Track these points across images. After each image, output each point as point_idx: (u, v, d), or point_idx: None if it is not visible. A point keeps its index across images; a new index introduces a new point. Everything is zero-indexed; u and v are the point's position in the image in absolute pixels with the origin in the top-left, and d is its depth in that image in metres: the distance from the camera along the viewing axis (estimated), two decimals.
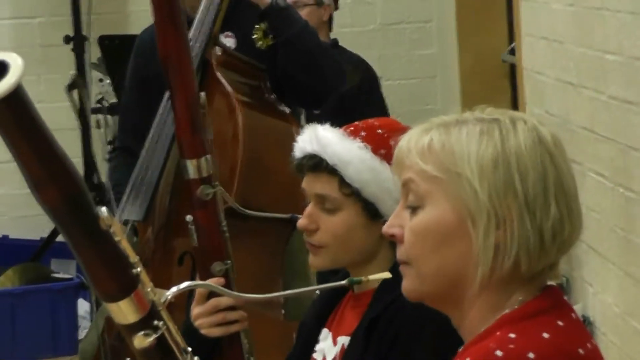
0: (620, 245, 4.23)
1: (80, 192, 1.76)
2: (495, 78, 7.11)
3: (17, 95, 1.58)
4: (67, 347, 6.16)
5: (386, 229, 2.00)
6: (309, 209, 2.66)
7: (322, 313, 2.82)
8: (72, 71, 6.23)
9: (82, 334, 6.15)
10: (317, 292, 2.98)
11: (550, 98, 5.09)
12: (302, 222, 2.69)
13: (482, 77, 7.08)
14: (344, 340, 2.70)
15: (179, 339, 2.03)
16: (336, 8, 5.57)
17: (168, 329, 1.96)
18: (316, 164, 2.59)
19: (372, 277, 2.51)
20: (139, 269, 1.87)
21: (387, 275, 2.48)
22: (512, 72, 6.44)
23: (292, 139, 2.72)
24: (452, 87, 7.33)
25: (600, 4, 4.26)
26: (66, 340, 6.27)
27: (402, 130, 2.23)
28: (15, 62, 1.58)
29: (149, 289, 1.92)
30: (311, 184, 2.66)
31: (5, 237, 6.53)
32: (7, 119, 1.64)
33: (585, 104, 4.63)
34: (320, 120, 2.73)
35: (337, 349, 2.70)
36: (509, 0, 6.63)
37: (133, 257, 1.85)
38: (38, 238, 6.36)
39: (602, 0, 4.26)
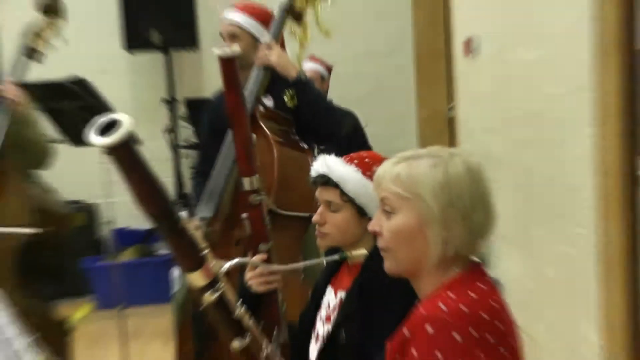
0: (518, 232, 5.13)
1: (166, 205, 2.22)
2: (442, 125, 8.35)
3: (128, 141, 2.05)
4: (166, 298, 6.84)
5: (371, 227, 2.41)
6: (320, 209, 3.02)
7: (327, 277, 3.14)
8: (167, 121, 7.79)
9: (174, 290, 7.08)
10: (324, 263, 3.21)
11: (477, 138, 6.17)
12: (315, 218, 3.02)
13: (433, 124, 8.47)
14: (341, 294, 3.03)
15: (233, 296, 2.45)
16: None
17: (225, 289, 2.40)
18: (325, 180, 2.97)
19: (355, 253, 2.92)
20: (206, 251, 2.31)
21: (364, 252, 2.90)
22: (451, 123, 7.53)
23: (309, 165, 3.10)
24: (413, 130, 8.69)
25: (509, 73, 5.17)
26: (166, 293, 6.97)
27: (381, 160, 2.75)
28: (127, 120, 2.01)
29: (212, 264, 2.34)
30: (322, 194, 3.01)
31: (125, 228, 7.64)
32: (121, 156, 2.09)
33: (499, 142, 5.60)
34: (327, 152, 3.14)
35: (337, 300, 3.04)
36: (448, 69, 7.58)
37: (202, 244, 2.30)
38: (145, 228, 7.57)
39: (510, 70, 5.15)
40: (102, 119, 2.11)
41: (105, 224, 7.65)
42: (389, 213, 2.35)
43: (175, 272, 6.92)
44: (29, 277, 4.64)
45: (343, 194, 2.97)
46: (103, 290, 7.31)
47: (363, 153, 3.07)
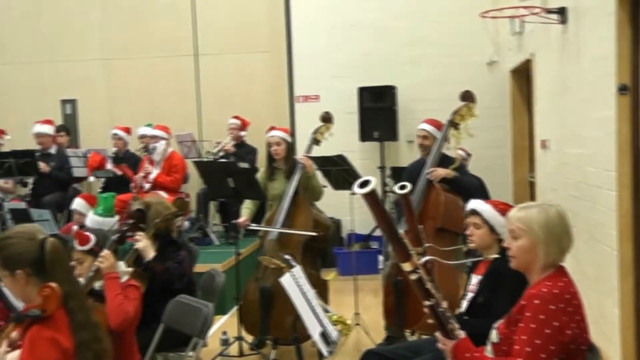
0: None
1: (392, 225, 2.75)
2: (525, 187, 9.14)
3: (374, 191, 2.67)
4: (375, 271, 8.45)
5: (506, 245, 2.96)
6: (470, 229, 3.75)
7: (473, 268, 3.86)
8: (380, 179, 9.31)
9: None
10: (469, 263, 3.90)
11: (546, 196, 6.62)
12: (468, 232, 3.74)
13: (521, 186, 9.25)
14: (479, 277, 3.72)
15: (427, 277, 2.90)
16: None
17: (422, 273, 2.85)
18: (476, 213, 3.74)
19: (490, 256, 3.67)
20: (412, 251, 2.83)
21: (496, 255, 3.60)
22: (532, 185, 8.44)
23: (462, 205, 4.46)
24: (510, 188, 9.47)
25: None
26: (375, 268, 8.53)
27: (509, 207, 3.48)
28: (373, 180, 2.65)
29: (415, 258, 2.84)
30: (471, 219, 3.77)
31: (354, 232, 9.01)
32: (371, 199, 2.69)
33: (560, 197, 6.08)
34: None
35: (476, 281, 3.74)
36: (530, 156, 8.67)
37: (409, 246, 2.79)
38: (365, 234, 9.10)
39: None
40: (361, 179, 2.68)
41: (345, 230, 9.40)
42: (515, 238, 2.91)
43: (380, 257, 8.76)
44: (308, 258, 5.85)
45: (483, 219, 3.76)
46: (342, 265, 8.88)
47: (495, 201, 3.94)
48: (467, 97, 5.96)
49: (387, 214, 2.73)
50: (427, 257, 3.47)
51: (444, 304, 2.90)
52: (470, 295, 3.78)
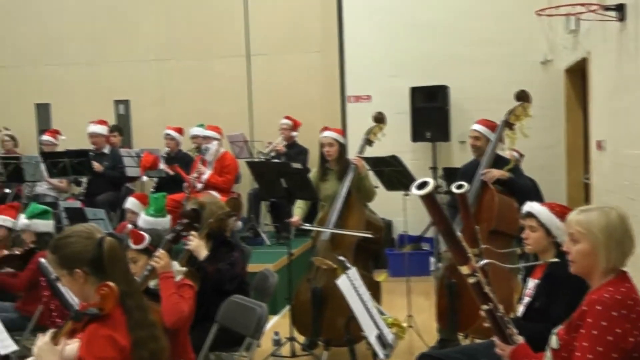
0: None
1: (450, 225, 2.75)
2: (580, 188, 9.08)
3: (432, 192, 2.67)
4: (427, 272, 8.74)
5: (565, 249, 2.90)
6: (526, 232, 3.76)
7: (529, 272, 3.87)
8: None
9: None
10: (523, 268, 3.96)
11: (601, 197, 6.80)
12: (524, 235, 3.73)
13: (575, 188, 9.22)
14: (536, 281, 3.73)
15: (485, 280, 2.87)
16: None
17: (479, 276, 2.84)
18: (532, 216, 3.73)
19: (549, 260, 3.61)
20: (470, 254, 2.78)
21: (555, 259, 3.56)
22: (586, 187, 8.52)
23: (516, 207, 4.45)
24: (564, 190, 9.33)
25: None
26: (427, 269, 8.77)
27: (565, 210, 3.54)
28: (432, 182, 2.64)
29: (473, 261, 2.81)
30: (527, 222, 3.75)
31: (406, 233, 8.18)
32: (429, 200, 2.68)
33: (616, 199, 6.08)
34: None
35: (533, 285, 3.73)
36: (585, 156, 8.48)
37: (467, 249, 2.77)
38: (417, 235, 8.66)
39: None
40: (419, 181, 2.67)
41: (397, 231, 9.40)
42: (574, 241, 2.87)
43: (432, 259, 9.02)
44: (360, 259, 5.79)
45: (541, 225, 3.74)
46: (394, 267, 8.81)
47: (551, 203, 3.92)
48: (523, 96, 5.93)
49: (446, 215, 2.71)
50: (485, 261, 3.43)
51: (501, 308, 2.86)
52: (527, 299, 3.77)
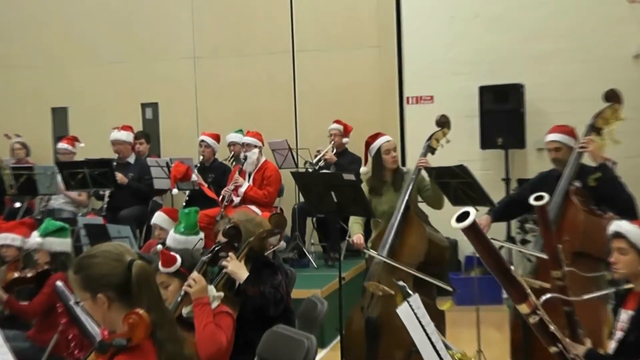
0: None
1: (499, 259, 2.63)
2: None
3: (473, 224, 2.58)
4: (499, 300, 8.36)
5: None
6: (615, 255, 3.76)
7: (620, 302, 3.86)
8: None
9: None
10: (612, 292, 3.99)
11: None
12: (612, 260, 3.77)
13: None
14: (629, 312, 3.73)
15: (548, 318, 2.77)
16: None
17: (542, 314, 2.74)
18: (620, 236, 3.74)
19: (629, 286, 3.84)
20: (528, 291, 2.68)
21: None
22: None
23: (605, 227, 3.89)
24: None
25: None
26: (499, 297, 8.36)
27: None
28: (473, 212, 2.59)
29: (533, 298, 2.72)
30: (615, 244, 3.78)
31: (474, 255, 7.67)
32: (474, 235, 2.63)
33: None
34: (621, 218, 3.97)
35: (626, 317, 3.73)
36: None
37: (525, 286, 2.70)
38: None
39: None
40: (459, 212, 2.65)
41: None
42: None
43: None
44: (422, 284, 5.62)
45: (630, 243, 3.72)
46: (460, 293, 8.20)
47: None
48: (612, 97, 5.82)
49: (494, 248, 2.64)
50: (548, 295, 3.41)
51: (588, 343, 2.93)
52: (619, 334, 3.73)
